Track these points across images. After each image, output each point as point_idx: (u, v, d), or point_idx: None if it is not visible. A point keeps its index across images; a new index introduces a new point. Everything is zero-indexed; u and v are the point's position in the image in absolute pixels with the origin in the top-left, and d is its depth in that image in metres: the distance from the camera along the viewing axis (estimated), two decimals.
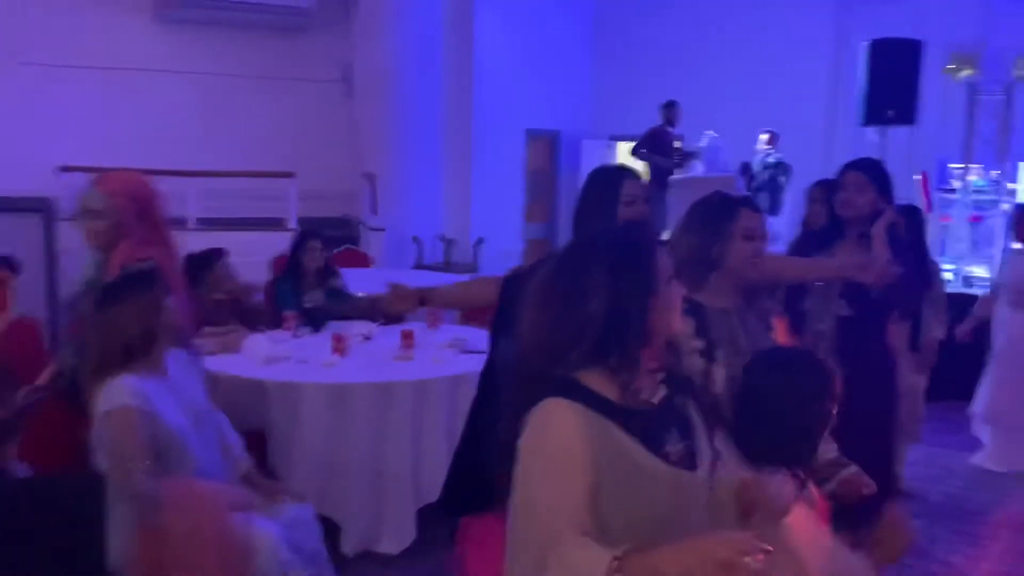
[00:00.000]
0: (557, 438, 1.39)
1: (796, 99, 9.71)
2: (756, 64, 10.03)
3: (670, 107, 9.08)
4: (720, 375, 2.04)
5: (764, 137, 8.71)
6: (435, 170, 9.52)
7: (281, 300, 4.82)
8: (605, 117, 11.20)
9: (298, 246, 4.95)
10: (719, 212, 2.21)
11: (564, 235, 10.93)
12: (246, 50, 9.80)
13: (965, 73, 9.42)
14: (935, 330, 4.42)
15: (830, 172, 9.81)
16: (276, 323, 4.62)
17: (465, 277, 7.53)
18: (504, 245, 9.33)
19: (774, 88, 9.78)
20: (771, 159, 8.70)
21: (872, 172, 3.10)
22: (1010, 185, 7.46)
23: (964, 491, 4.94)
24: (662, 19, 10.83)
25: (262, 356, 3.89)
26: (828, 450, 2.14)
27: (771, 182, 8.41)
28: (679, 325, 1.56)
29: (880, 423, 3.02)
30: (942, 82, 9.15)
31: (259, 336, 4.19)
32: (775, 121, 8.95)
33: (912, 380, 4.22)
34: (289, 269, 4.95)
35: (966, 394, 5.52)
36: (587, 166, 11.08)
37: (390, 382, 3.67)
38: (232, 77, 9.73)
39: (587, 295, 1.46)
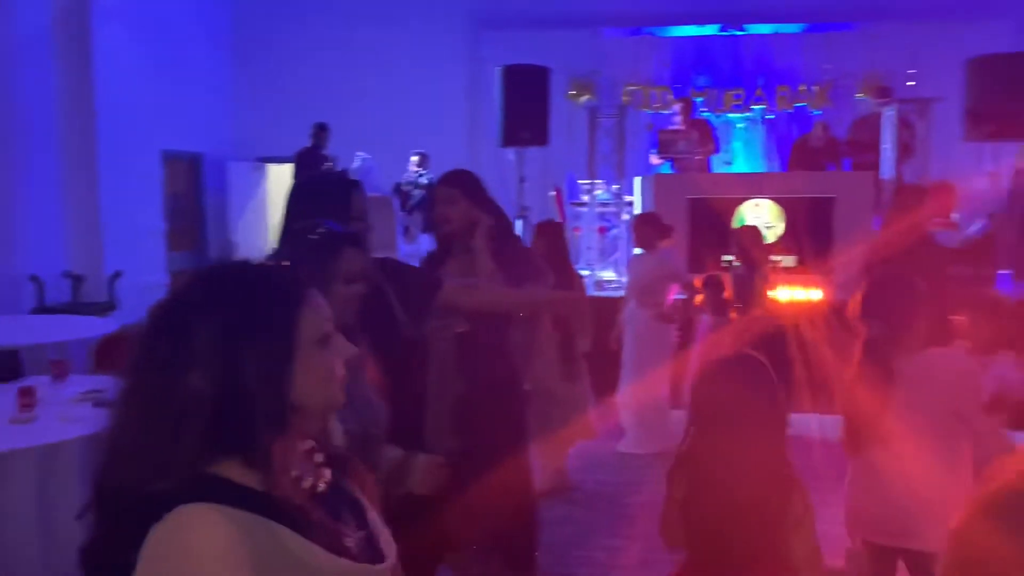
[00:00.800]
0: (204, 562, 1.01)
1: (440, 121, 10.11)
2: (400, 87, 10.27)
3: (320, 129, 8.96)
4: (336, 428, 1.92)
5: (415, 158, 8.92)
6: (54, 197, 8.39)
7: None
8: (252, 138, 10.74)
9: None
10: (324, 250, 2.04)
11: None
12: None
13: (585, 98, 10.48)
14: (580, 342, 4.76)
15: None
16: None
17: (106, 320, 6.74)
18: (145, 278, 8.49)
19: (420, 110, 10.09)
20: (422, 179, 8.93)
21: (461, 184, 2.99)
22: (628, 198, 8.39)
23: (614, 476, 5.40)
24: (305, 40, 10.66)
25: None
26: (394, 452, 2.11)
27: (424, 202, 8.62)
28: (340, 394, 1.21)
29: (508, 430, 2.99)
30: (567, 105, 10.08)
31: None
32: (424, 142, 9.21)
33: (567, 388, 4.49)
34: None
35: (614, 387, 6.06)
36: (235, 189, 10.53)
37: (3, 452, 3.08)
38: None
39: (189, 364, 1.07)
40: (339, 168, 8.92)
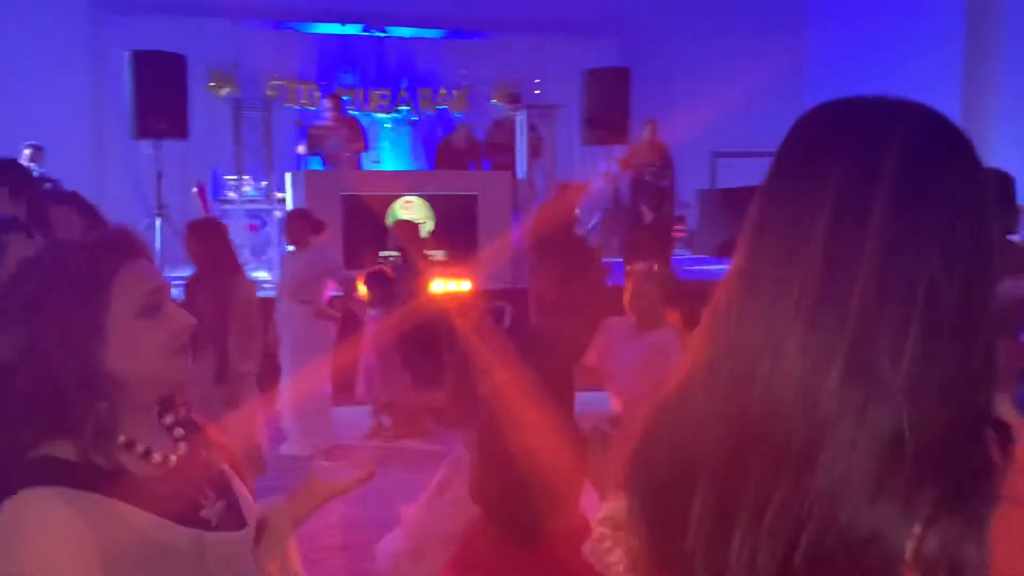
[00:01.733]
0: (48, 553, 0.99)
1: (58, 111, 9.02)
2: (6, 71, 8.97)
3: None
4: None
5: (27, 151, 7.84)
6: None
7: None
8: None
9: None
10: None
11: None
12: None
13: (226, 90, 10.01)
14: (243, 363, 4.14)
15: (103, 187, 9.36)
16: None
17: None
18: None
19: (32, 98, 8.90)
20: (35, 174, 7.87)
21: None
22: (279, 194, 8.17)
23: (276, 481, 5.24)
24: None
25: None
26: None
27: None
28: (174, 367, 1.17)
29: None
30: (208, 98, 9.55)
31: None
32: (38, 133, 8.11)
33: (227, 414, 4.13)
34: None
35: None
36: None
37: None
38: None
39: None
40: None
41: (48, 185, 7.80)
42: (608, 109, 8.07)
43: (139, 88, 7.14)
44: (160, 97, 7.17)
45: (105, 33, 9.70)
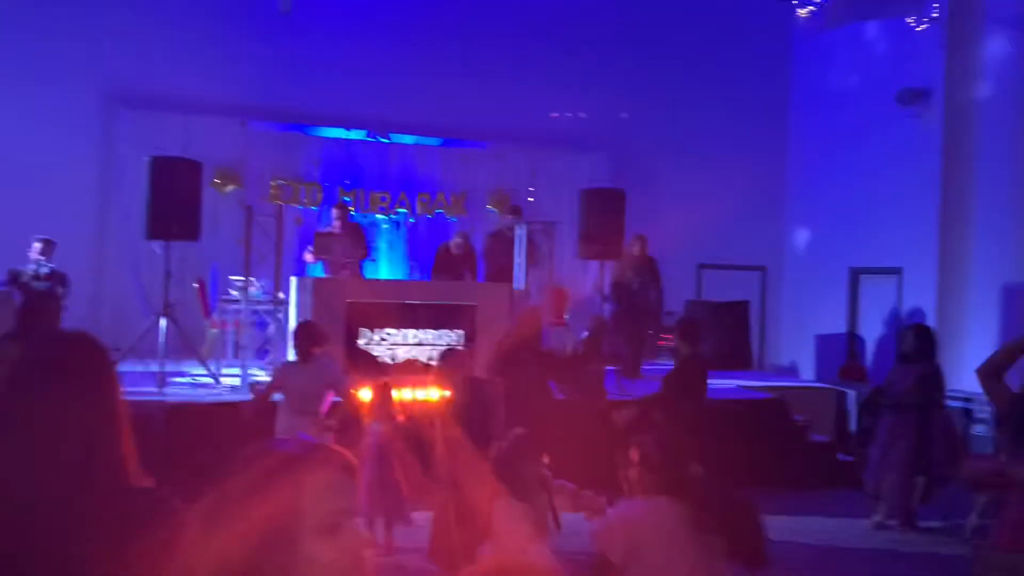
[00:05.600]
0: None
1: (67, 208, 9.26)
2: (20, 170, 9.21)
3: None
4: None
5: (38, 246, 8.02)
6: None
7: None
8: None
9: None
10: None
11: None
12: None
13: (230, 187, 10.32)
14: None
15: (106, 283, 9.49)
16: None
17: None
18: None
19: (43, 196, 9.12)
20: (45, 268, 8.04)
21: None
22: (282, 295, 8.33)
23: None
24: None
25: None
26: None
27: (49, 292, 7.76)
28: None
29: None
30: (211, 193, 9.79)
31: None
32: (48, 229, 8.28)
33: None
34: None
35: None
36: None
37: None
38: None
39: None
40: None
41: (55, 279, 7.98)
42: (603, 226, 8.42)
43: (155, 192, 7.38)
44: (175, 201, 7.40)
45: (117, 128, 10.02)
